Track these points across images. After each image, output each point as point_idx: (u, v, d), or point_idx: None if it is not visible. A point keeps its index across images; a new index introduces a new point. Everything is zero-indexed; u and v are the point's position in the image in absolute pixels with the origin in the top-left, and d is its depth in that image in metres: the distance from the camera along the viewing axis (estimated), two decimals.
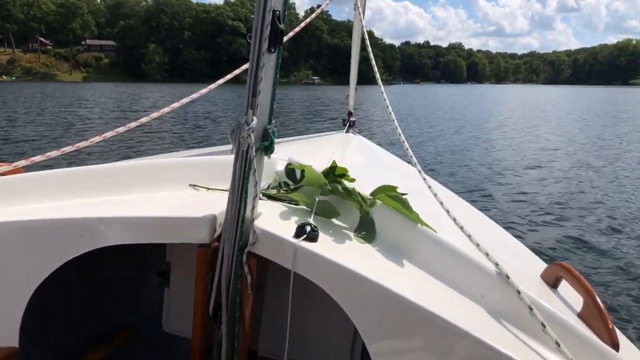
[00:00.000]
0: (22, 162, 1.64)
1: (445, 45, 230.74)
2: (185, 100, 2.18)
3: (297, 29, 2.75)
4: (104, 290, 2.01)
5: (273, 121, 1.26)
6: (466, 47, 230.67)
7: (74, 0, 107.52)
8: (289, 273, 1.23)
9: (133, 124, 2.00)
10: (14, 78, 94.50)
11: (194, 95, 2.24)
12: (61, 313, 1.78)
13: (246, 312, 1.35)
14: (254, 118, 1.15)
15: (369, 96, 40.43)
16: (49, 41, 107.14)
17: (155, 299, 2.11)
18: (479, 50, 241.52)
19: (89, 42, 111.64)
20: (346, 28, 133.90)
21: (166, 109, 2.11)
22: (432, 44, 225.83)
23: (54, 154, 1.72)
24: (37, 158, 1.67)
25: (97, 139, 1.85)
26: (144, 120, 2.01)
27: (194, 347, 1.42)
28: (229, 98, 38.34)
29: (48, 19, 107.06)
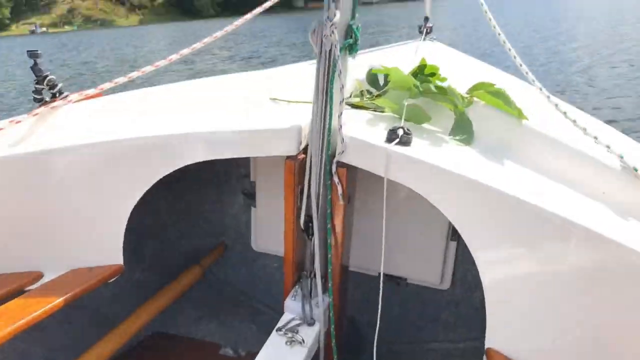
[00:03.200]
0: (107, 85, 1.65)
1: None
2: (233, 26, 2.04)
3: None
4: (193, 212, 2.11)
5: (357, 15, 1.15)
6: None
7: None
8: (380, 181, 1.18)
9: (197, 45, 1.94)
10: (75, 28, 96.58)
11: (248, 16, 2.09)
12: (157, 233, 1.92)
13: (337, 223, 1.33)
14: (337, 12, 1.05)
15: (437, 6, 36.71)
16: None
17: (242, 219, 2.14)
18: None
19: None
20: None
21: (220, 33, 2.01)
22: None
23: (135, 74, 1.70)
24: (121, 80, 1.66)
25: (174, 56, 1.80)
26: (208, 40, 1.94)
27: (287, 261, 1.41)
28: (285, 30, 36.31)
29: None
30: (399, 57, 2.96)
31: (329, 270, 1.33)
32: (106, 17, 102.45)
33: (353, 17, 1.14)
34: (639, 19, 20.95)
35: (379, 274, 1.26)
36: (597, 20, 22.63)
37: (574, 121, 1.31)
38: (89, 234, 1.46)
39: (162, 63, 1.85)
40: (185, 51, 1.92)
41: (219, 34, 2.09)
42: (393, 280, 1.84)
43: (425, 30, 3.66)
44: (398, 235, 1.72)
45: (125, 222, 1.41)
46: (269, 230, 1.96)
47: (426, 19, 3.72)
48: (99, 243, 1.46)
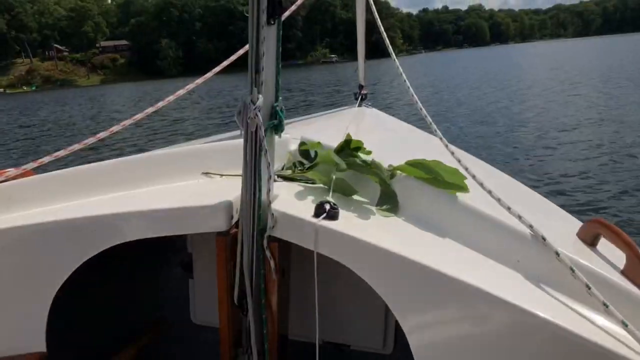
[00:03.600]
0: (31, 165, 1.61)
1: (464, 8, 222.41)
2: (181, 92, 2.12)
3: (299, 1, 2.61)
4: (128, 287, 2.03)
5: (280, 98, 1.20)
6: (487, 8, 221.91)
7: (83, 3, 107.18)
8: (312, 254, 1.20)
9: (139, 116, 1.98)
10: (34, 88, 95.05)
11: (190, 86, 2.15)
12: (87, 314, 1.80)
13: (272, 298, 1.33)
14: (260, 96, 1.10)
15: (389, 69, 37.92)
16: (65, 47, 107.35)
17: (180, 291, 2.10)
18: (500, 10, 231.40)
19: (102, 44, 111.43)
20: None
21: (161, 102, 2.05)
22: (450, 8, 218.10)
23: (61, 153, 1.69)
24: (46, 159, 1.64)
25: (103, 134, 1.82)
26: (150, 110, 2.00)
27: (223, 337, 1.40)
28: (239, 85, 36.54)
29: (61, 24, 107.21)
30: (335, 124, 3.05)
31: (266, 346, 1.33)
32: (66, 77, 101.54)
33: (277, 99, 1.19)
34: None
35: (322, 342, 1.31)
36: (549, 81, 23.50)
37: (490, 192, 1.37)
38: (7, 320, 1.39)
39: (103, 134, 1.82)
40: (127, 122, 1.87)
41: (180, 92, 2.07)
42: (336, 348, 1.82)
43: (360, 96, 3.80)
44: (338, 302, 1.71)
45: (49, 306, 1.35)
46: (208, 302, 1.89)
47: (360, 86, 3.86)
48: (19, 330, 1.39)
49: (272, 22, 1.09)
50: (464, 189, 1.38)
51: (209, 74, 2.24)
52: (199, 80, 2.20)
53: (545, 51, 68.32)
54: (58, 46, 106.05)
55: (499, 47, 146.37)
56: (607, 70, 25.46)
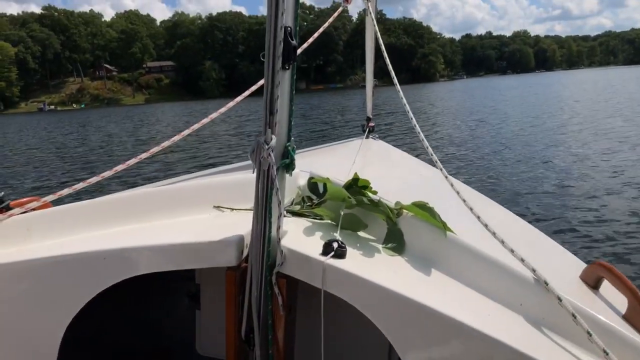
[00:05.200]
0: (50, 197, 1.67)
1: (508, 34, 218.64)
2: (205, 120, 2.20)
3: (310, 40, 2.72)
4: (136, 316, 2.08)
5: (292, 138, 1.25)
6: (532, 35, 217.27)
7: (133, 26, 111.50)
8: (319, 291, 1.22)
9: (155, 149, 2.04)
10: (82, 106, 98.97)
11: (214, 115, 2.25)
12: (95, 342, 1.84)
13: (279, 334, 1.34)
14: (273, 137, 1.15)
15: (430, 94, 36.85)
16: (114, 67, 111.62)
17: (187, 321, 2.15)
18: (546, 36, 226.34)
19: (149, 64, 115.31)
20: (402, 25, 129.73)
21: (177, 136, 2.09)
22: (494, 34, 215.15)
23: (80, 186, 1.76)
24: (65, 191, 1.70)
25: (120, 167, 1.90)
26: (165, 144, 2.04)
27: None
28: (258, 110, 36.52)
29: (111, 46, 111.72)
30: (342, 157, 3.06)
31: None
32: (113, 95, 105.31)
33: (289, 139, 1.23)
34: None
35: None
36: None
37: (494, 233, 1.41)
38: (20, 351, 1.42)
39: (132, 161, 1.86)
40: (143, 155, 1.92)
41: (213, 115, 2.14)
42: None
43: (367, 129, 3.82)
44: (342, 338, 1.72)
45: (61, 338, 1.37)
46: (214, 333, 1.95)
47: (368, 119, 3.89)
48: None
49: (287, 67, 1.13)
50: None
51: (223, 109, 2.26)
52: (213, 115, 2.21)
53: (595, 78, 65.55)
54: (108, 66, 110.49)
55: (543, 74, 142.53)
56: None
